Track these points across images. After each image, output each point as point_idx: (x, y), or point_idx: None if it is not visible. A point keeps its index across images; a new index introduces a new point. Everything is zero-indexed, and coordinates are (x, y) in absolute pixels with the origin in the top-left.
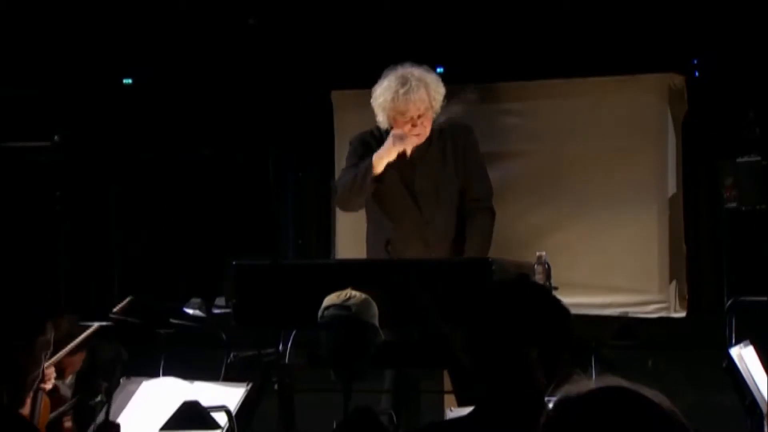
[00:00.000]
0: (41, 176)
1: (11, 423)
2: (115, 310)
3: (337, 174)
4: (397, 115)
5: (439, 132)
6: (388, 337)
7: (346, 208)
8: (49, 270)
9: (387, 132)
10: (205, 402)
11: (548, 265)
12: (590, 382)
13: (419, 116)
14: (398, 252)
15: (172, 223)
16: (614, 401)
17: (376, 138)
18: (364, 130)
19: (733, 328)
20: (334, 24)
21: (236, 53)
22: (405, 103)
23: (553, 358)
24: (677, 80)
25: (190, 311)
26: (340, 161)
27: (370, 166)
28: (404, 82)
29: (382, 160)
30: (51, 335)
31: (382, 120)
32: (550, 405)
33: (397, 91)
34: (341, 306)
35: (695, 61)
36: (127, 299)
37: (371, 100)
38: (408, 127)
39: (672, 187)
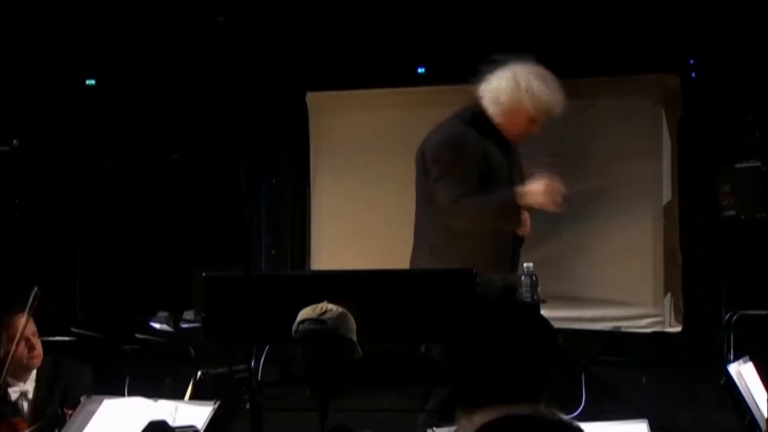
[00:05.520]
0: None
1: None
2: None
3: (314, 178)
4: (540, 114)
5: None
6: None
7: (457, 228)
8: (9, 281)
9: (486, 122)
10: (173, 421)
11: (536, 278)
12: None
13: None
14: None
15: (138, 231)
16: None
17: (475, 139)
18: (449, 124)
19: (732, 344)
20: (308, 22)
21: (206, 52)
22: (554, 101)
23: (539, 379)
24: (673, 81)
25: (156, 325)
26: (316, 166)
27: (517, 217)
28: (552, 80)
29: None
30: None
31: (495, 110)
32: None
33: (549, 86)
34: (317, 320)
35: (692, 61)
36: (33, 292)
37: (502, 84)
38: (533, 128)
39: (667, 193)
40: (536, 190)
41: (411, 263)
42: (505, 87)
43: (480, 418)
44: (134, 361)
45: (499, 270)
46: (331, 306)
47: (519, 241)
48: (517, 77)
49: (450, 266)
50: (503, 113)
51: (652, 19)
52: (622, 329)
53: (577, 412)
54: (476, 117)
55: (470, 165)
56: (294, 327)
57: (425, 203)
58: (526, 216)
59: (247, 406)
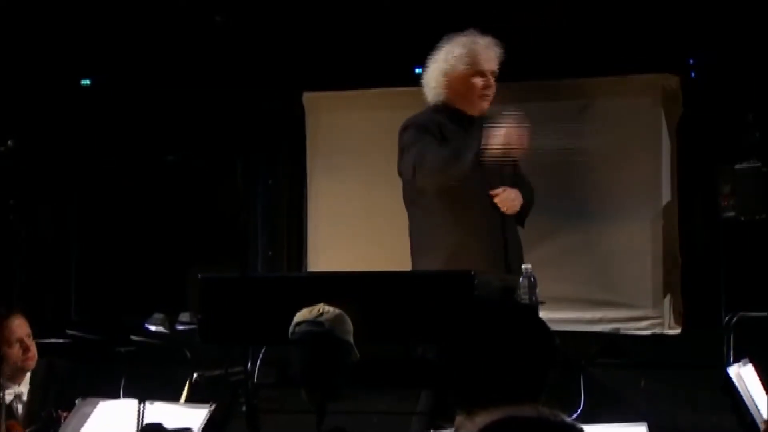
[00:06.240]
0: None
1: None
2: None
3: (311, 179)
4: (475, 66)
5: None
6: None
7: (440, 186)
8: (4, 282)
9: (441, 108)
10: (168, 424)
11: (534, 279)
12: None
13: (492, 73)
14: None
15: (133, 232)
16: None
17: (433, 121)
18: (416, 115)
19: (732, 346)
20: (305, 22)
21: (202, 52)
22: (486, 52)
23: (537, 381)
24: (672, 81)
25: (152, 327)
26: (313, 167)
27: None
28: (481, 37)
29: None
30: None
31: (439, 91)
32: None
33: (476, 41)
34: (313, 322)
35: (691, 61)
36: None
37: (433, 66)
38: (480, 88)
39: (666, 194)
40: (496, 133)
41: (412, 264)
42: (440, 61)
43: (482, 419)
44: (129, 363)
45: (490, 267)
46: (328, 308)
47: (513, 236)
48: (439, 55)
49: (436, 263)
50: (449, 88)
51: (652, 19)
52: (621, 331)
53: (576, 415)
54: (430, 110)
55: (429, 135)
56: (290, 329)
57: (409, 204)
58: (505, 193)
59: (244, 408)
